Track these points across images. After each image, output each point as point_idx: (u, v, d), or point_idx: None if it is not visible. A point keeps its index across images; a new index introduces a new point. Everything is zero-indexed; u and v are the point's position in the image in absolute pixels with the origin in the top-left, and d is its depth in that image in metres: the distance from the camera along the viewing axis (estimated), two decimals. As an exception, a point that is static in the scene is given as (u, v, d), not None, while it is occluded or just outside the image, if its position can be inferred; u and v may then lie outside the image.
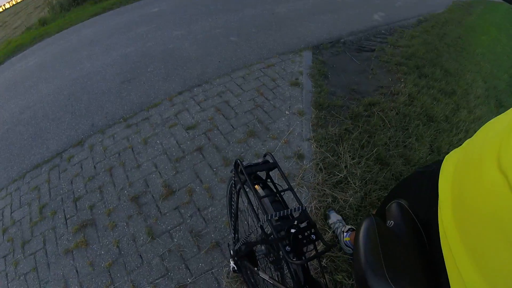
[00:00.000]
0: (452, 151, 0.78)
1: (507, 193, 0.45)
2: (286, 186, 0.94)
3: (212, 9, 5.74)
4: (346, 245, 1.76)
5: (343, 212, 2.00)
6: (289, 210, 0.87)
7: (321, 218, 1.98)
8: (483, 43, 5.86)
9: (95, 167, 2.61)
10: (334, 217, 1.94)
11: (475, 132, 0.70)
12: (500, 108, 3.79)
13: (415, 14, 5.91)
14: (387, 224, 0.73)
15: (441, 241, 0.62)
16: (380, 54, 4.04)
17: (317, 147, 2.44)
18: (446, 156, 0.78)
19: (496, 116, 0.67)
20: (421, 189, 0.84)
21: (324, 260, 1.77)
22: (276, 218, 0.87)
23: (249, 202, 1.02)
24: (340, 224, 1.88)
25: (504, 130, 0.52)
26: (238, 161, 1.01)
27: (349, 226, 1.81)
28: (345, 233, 1.78)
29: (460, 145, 0.77)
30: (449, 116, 3.00)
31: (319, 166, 2.28)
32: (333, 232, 1.89)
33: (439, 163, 0.78)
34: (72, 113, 3.40)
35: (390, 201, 1.01)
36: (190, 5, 6.18)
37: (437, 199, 0.68)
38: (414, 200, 0.84)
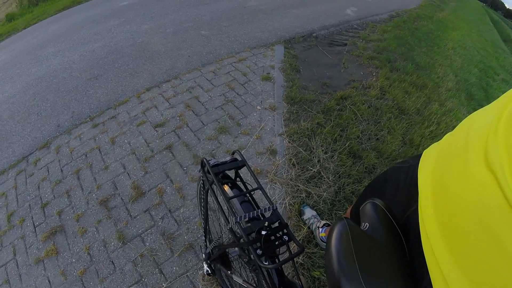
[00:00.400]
0: (431, 145, 0.72)
1: (496, 192, 0.41)
2: (257, 185, 0.90)
3: (183, 2, 5.61)
4: (322, 241, 1.75)
5: (317, 207, 1.99)
6: (259, 210, 0.83)
7: (296, 214, 1.95)
8: (454, 38, 6.05)
9: (62, 170, 2.47)
10: (308, 213, 1.91)
11: (447, 124, 0.66)
12: (471, 101, 3.91)
13: (387, 10, 6.01)
14: (362, 227, 0.68)
15: (422, 243, 0.58)
16: (352, 49, 4.07)
17: (289, 142, 2.41)
18: (424, 151, 0.73)
19: (466, 107, 0.64)
20: (398, 187, 0.79)
21: (300, 257, 1.74)
22: (246, 219, 0.83)
23: (218, 203, 0.97)
24: (315, 219, 1.86)
25: (490, 123, 0.48)
26: (205, 160, 0.96)
27: (324, 221, 1.80)
28: (320, 229, 1.77)
29: (434, 137, 0.73)
30: (420, 109, 3.05)
31: (292, 161, 2.25)
32: (308, 228, 1.86)
33: (417, 158, 0.73)
34: (38, 113, 3.21)
35: (365, 199, 0.97)
36: (161, -2, 6.01)
37: (417, 197, 0.64)
38: (391, 198, 0.79)
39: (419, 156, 0.73)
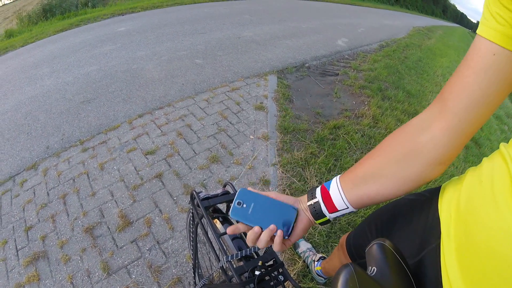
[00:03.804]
0: (451, 179, 0.66)
1: None
2: None
3: (178, 31, 5.71)
4: (318, 275, 1.68)
5: (312, 240, 1.93)
6: (252, 248, 0.78)
7: (290, 248, 1.88)
8: (442, 64, 6.22)
9: (48, 194, 2.39)
10: (303, 246, 1.85)
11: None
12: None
13: (377, 39, 6.21)
14: (369, 272, 0.62)
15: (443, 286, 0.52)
16: (343, 78, 4.14)
17: (283, 172, 2.38)
18: (443, 185, 0.67)
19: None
20: (412, 221, 0.72)
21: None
22: (238, 257, 0.78)
23: (208, 239, 0.91)
24: (311, 252, 1.80)
25: None
26: (194, 192, 0.91)
27: (320, 255, 1.74)
28: (316, 262, 1.70)
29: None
30: (413, 136, 3.06)
31: (285, 192, 2.21)
32: (304, 261, 1.80)
33: (434, 192, 0.68)
34: (28, 133, 3.14)
35: (369, 232, 0.90)
36: (157, 26, 6.13)
37: (436, 235, 0.59)
38: (402, 233, 0.73)
39: (436, 190, 0.67)
